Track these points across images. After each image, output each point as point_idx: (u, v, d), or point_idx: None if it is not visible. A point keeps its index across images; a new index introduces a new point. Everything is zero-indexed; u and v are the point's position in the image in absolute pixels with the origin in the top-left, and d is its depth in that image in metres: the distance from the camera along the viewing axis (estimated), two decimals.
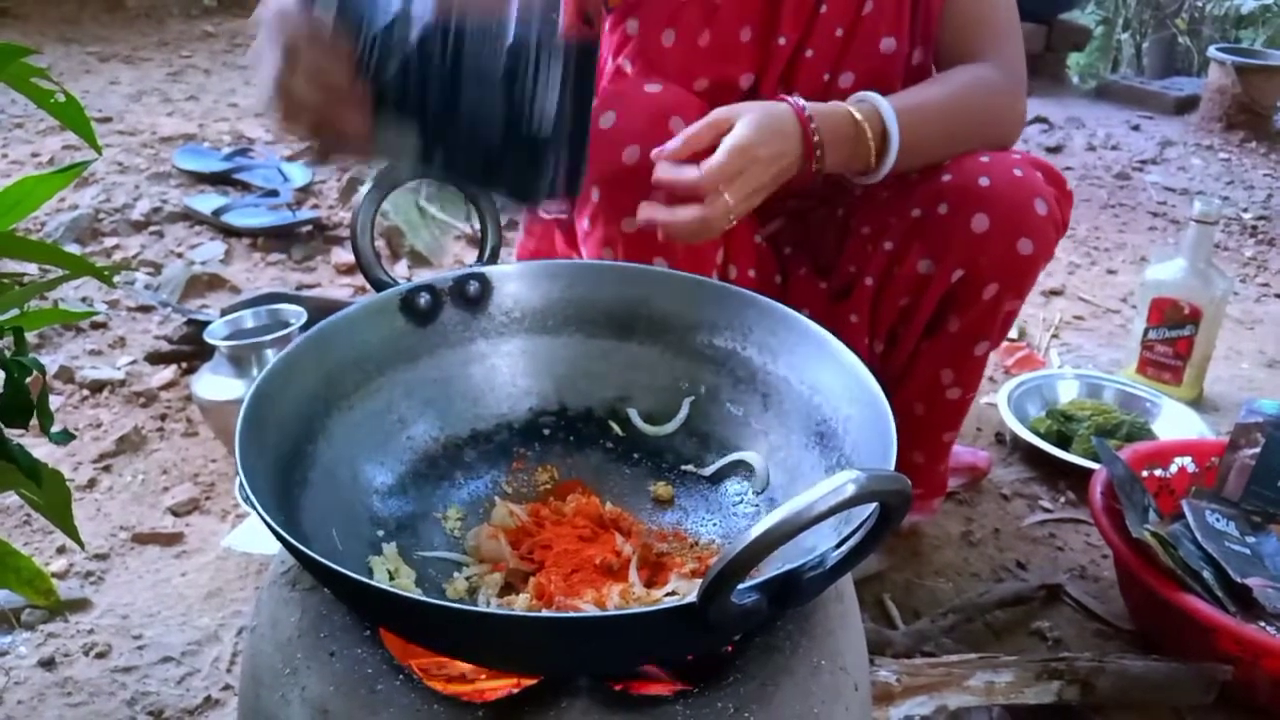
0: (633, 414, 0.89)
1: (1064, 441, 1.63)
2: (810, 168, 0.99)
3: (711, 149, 0.93)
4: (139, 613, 1.22)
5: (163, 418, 1.60)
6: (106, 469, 1.49)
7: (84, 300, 1.91)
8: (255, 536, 1.31)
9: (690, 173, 0.92)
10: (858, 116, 1.01)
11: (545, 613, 0.69)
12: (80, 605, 1.22)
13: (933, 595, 1.30)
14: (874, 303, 1.15)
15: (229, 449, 1.51)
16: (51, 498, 0.78)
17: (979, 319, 1.11)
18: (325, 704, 0.60)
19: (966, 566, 1.37)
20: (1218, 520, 1.21)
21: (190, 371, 1.67)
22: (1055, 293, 2.31)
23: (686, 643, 0.62)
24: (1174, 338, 1.82)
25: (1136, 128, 3.54)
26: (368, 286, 0.84)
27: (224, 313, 1.59)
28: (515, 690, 0.65)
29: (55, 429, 0.77)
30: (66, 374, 1.67)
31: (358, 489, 0.78)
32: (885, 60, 1.14)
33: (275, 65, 0.71)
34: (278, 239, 2.19)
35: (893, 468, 0.63)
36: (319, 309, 1.42)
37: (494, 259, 0.89)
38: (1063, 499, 1.55)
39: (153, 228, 2.20)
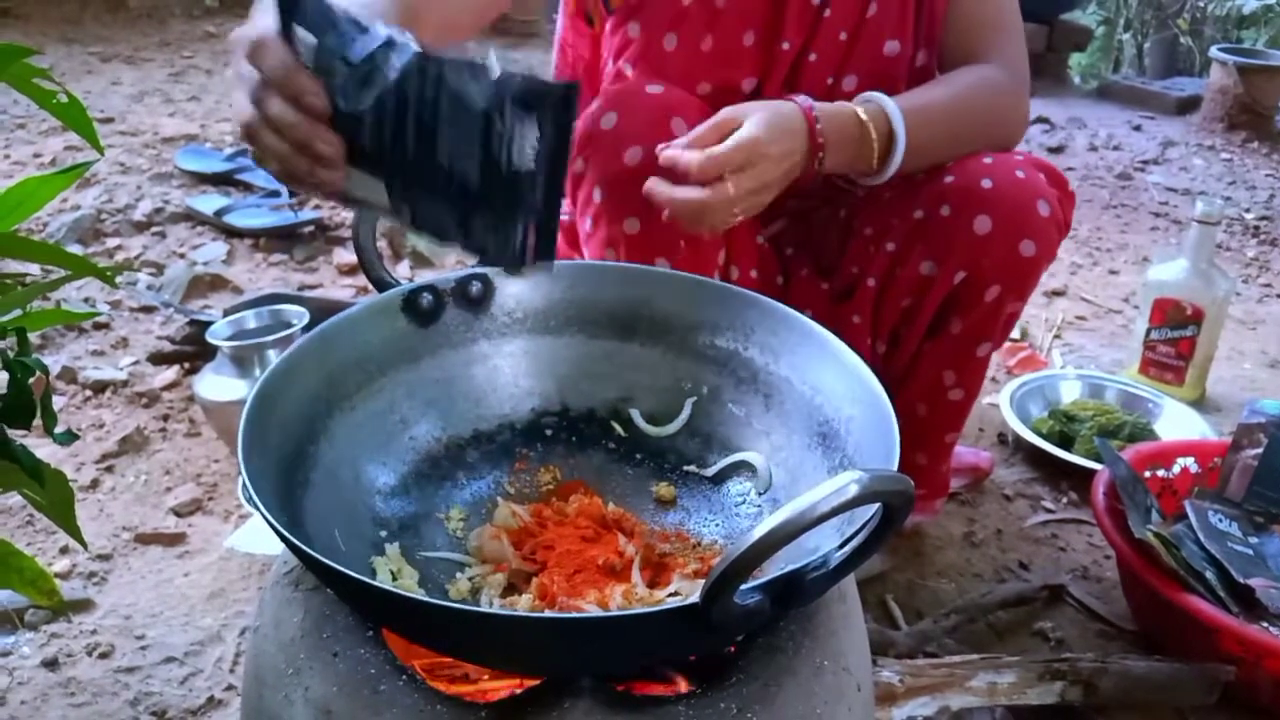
0: (635, 414, 0.89)
1: (1066, 442, 1.63)
2: (812, 167, 0.99)
3: None
4: (142, 613, 1.22)
5: (165, 418, 1.60)
6: (109, 469, 1.49)
7: (86, 301, 1.91)
8: (258, 537, 1.31)
9: (696, 157, 0.92)
10: (863, 117, 1.02)
11: (548, 613, 0.69)
12: (83, 605, 1.22)
13: (935, 596, 1.30)
14: (876, 304, 1.15)
15: (231, 449, 1.51)
16: (54, 498, 0.78)
17: (981, 320, 1.11)
18: (328, 704, 0.61)
19: (969, 567, 1.37)
20: (1220, 521, 1.21)
21: (193, 372, 1.67)
22: (1057, 293, 2.30)
23: (689, 643, 0.62)
24: (1176, 338, 1.82)
25: (1138, 128, 3.54)
26: (370, 287, 0.84)
27: (226, 313, 1.59)
28: (518, 690, 0.65)
29: (59, 429, 0.77)
30: (69, 374, 1.67)
31: (360, 489, 0.78)
32: (889, 63, 1.14)
33: (247, 101, 0.67)
34: (280, 239, 2.20)
35: (895, 468, 0.63)
36: (321, 309, 1.42)
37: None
38: (1065, 499, 1.55)
39: (155, 228, 2.20)
